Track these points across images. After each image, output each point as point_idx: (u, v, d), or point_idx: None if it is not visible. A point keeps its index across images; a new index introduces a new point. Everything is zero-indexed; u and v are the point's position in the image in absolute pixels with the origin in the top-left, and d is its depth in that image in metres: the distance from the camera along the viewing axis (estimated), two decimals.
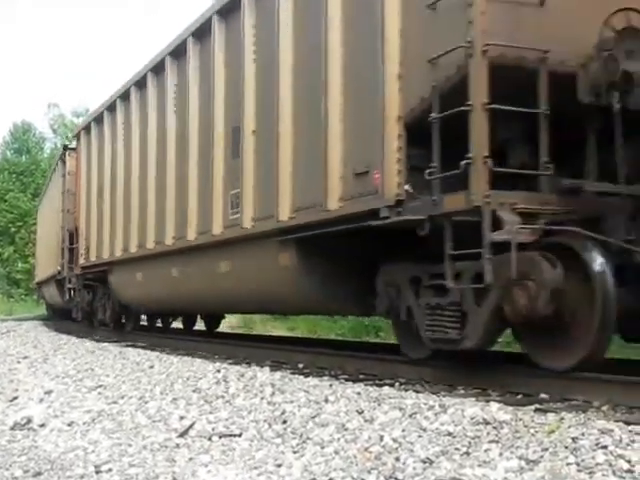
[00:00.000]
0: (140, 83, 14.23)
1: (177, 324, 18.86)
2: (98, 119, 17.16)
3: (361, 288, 8.15)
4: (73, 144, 20.52)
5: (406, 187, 7.05)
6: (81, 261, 18.04)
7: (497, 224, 6.16)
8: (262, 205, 9.47)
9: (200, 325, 18.68)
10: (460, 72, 6.43)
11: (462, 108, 6.24)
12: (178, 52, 12.49)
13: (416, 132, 6.93)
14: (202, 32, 11.49)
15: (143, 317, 18.34)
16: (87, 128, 18.10)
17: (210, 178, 10.78)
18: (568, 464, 3.65)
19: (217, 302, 12.44)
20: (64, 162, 20.70)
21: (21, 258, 45.84)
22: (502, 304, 6.25)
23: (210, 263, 11.00)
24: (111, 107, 16.10)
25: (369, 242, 7.84)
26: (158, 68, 13.38)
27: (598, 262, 6.07)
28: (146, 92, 13.86)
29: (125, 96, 15.11)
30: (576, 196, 6.40)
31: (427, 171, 6.65)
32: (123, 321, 17.16)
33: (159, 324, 18.78)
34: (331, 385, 6.72)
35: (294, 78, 8.89)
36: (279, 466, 4.30)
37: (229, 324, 22.01)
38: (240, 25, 10.05)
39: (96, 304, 17.85)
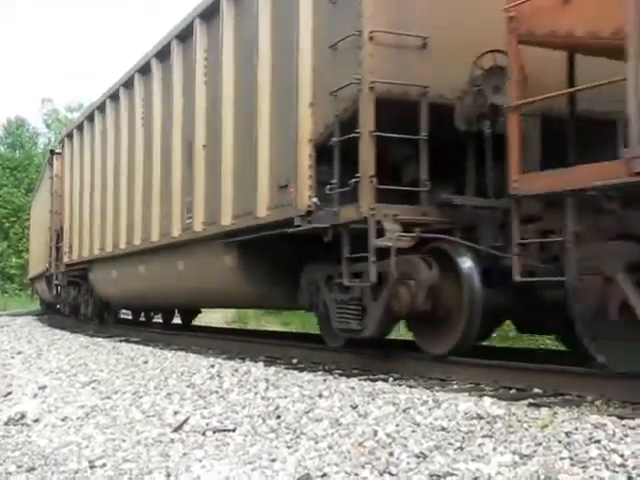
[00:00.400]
0: (114, 96, 15.63)
1: (159, 319, 19.14)
2: (79, 127, 18.60)
3: (291, 285, 9.33)
4: (59, 149, 21.74)
5: (314, 200, 8.36)
6: (65, 259, 19.36)
7: (381, 232, 7.32)
8: (210, 211, 10.76)
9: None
10: (354, 104, 7.68)
11: (352, 135, 7.51)
12: (145, 69, 13.90)
13: (324, 153, 8.17)
14: (164, 53, 12.84)
15: (128, 311, 19.35)
16: (70, 135, 19.49)
17: (170, 186, 12.21)
18: (561, 458, 3.66)
19: (177, 297, 13.87)
20: (51, 165, 21.89)
21: (15, 253, 45.75)
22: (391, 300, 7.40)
23: (170, 262, 12.34)
24: (90, 117, 17.55)
25: (296, 246, 8.98)
26: (128, 83, 14.75)
27: (467, 265, 7.14)
28: (119, 104, 15.30)
29: (102, 108, 16.54)
30: (452, 209, 7.47)
31: (328, 186, 7.97)
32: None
33: (143, 318, 19.28)
34: (325, 380, 6.73)
35: (235, 103, 10.28)
36: (273, 461, 4.30)
37: (224, 319, 22.03)
38: (193, 49, 11.54)
39: (79, 299, 19.03)
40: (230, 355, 10.37)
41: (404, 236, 7.35)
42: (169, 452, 4.70)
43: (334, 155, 7.96)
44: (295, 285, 9.29)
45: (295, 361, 9.23)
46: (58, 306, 21.70)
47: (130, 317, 19.56)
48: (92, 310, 18.17)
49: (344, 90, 7.77)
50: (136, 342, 13.78)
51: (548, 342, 13.46)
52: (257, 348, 10.61)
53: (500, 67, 7.16)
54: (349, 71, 7.68)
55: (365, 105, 7.52)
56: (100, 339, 14.64)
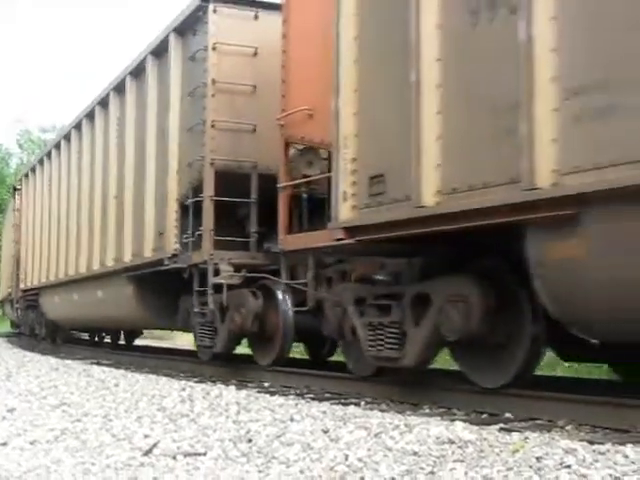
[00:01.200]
0: (57, 145, 18.80)
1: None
2: (33, 169, 21.63)
3: (173, 311, 11.78)
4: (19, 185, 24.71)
5: (176, 245, 11.07)
6: (22, 285, 21.96)
7: (218, 272, 9.95)
8: (118, 250, 13.63)
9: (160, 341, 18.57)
10: (200, 175, 10.44)
11: (197, 199, 10.34)
12: (78, 126, 16.83)
13: (186, 210, 10.85)
14: (91, 112, 15.69)
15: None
16: (26, 175, 22.65)
17: (92, 227, 15.22)
18: None
19: (99, 321, 16.46)
20: (14, 199, 24.67)
21: None
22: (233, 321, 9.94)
23: (92, 291, 15.08)
24: (41, 161, 20.59)
25: (176, 280, 11.16)
26: (67, 136, 17.74)
27: (281, 297, 9.65)
28: (59, 155, 18.33)
29: (48, 155, 19.66)
30: (274, 254, 9.52)
31: (184, 236, 10.83)
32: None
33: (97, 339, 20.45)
34: (297, 404, 6.71)
35: (134, 164, 13.10)
36: None
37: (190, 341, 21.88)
38: (125, 99, 13.78)
39: (34, 322, 21.41)
40: (201, 378, 10.32)
41: (235, 275, 9.94)
42: (139, 476, 4.66)
43: (189, 212, 10.64)
44: (175, 311, 11.69)
45: (267, 385, 9.21)
46: (21, 327, 24.03)
47: (87, 337, 21.16)
48: (45, 331, 20.45)
49: (194, 163, 10.58)
50: (107, 365, 13.69)
51: None
52: (229, 371, 10.58)
53: (312, 147, 8.98)
54: (198, 149, 10.46)
55: (207, 176, 10.22)
56: (70, 361, 14.53)
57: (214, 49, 10.37)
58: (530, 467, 3.88)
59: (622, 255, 5.17)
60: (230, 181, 10.03)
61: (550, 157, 5.36)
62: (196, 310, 10.57)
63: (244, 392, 7.86)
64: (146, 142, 12.40)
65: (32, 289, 20.61)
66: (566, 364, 12.85)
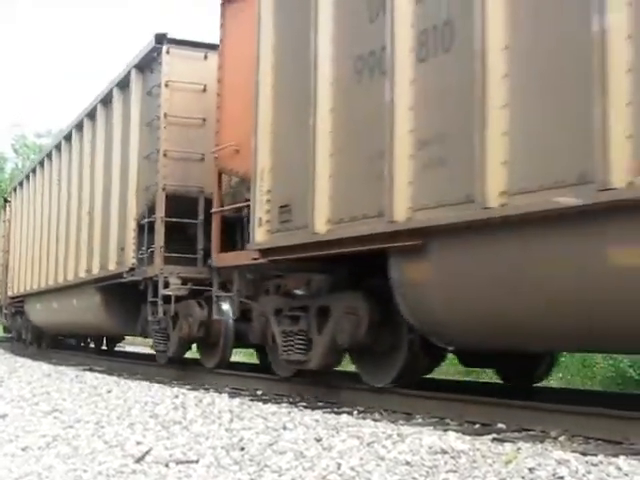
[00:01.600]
0: (41, 162, 20.29)
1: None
2: (21, 183, 23.04)
3: (134, 319, 12.91)
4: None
5: (133, 260, 12.41)
6: (9, 292, 23.25)
7: (168, 284, 11.29)
8: (88, 261, 14.99)
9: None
10: (153, 198, 11.80)
11: (150, 219, 11.84)
12: (58, 146, 18.31)
13: (142, 228, 12.22)
14: (79, 126, 16.69)
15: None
16: (15, 188, 24.14)
17: (69, 240, 16.47)
18: None
19: (74, 327, 17.68)
20: (5, 210, 26.03)
21: None
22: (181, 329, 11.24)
23: (69, 299, 16.34)
24: (27, 176, 22.06)
25: (137, 291, 12.29)
26: (49, 154, 19.37)
27: (225, 307, 10.41)
28: (43, 171, 19.83)
29: (34, 170, 21.16)
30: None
31: (140, 251, 12.22)
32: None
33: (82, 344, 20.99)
34: (290, 412, 6.71)
35: (103, 185, 14.53)
36: None
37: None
38: (96, 125, 15.30)
39: (21, 327, 22.83)
40: (194, 386, 10.31)
41: (182, 287, 11.26)
42: None
43: (145, 231, 12.00)
44: (137, 319, 12.80)
45: (260, 392, 9.20)
46: (11, 332, 25.56)
47: (73, 342, 21.91)
48: (30, 336, 21.71)
49: (150, 187, 11.98)
50: (100, 371, 13.66)
51: None
52: (222, 379, 10.57)
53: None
54: (153, 175, 11.78)
55: (159, 200, 11.57)
56: (63, 367, 14.50)
57: (167, 86, 11.71)
58: (523, 478, 3.88)
59: (455, 278, 6.56)
60: (180, 203, 11.38)
61: (406, 196, 6.65)
62: (150, 319, 11.93)
63: (237, 400, 7.85)
64: (112, 166, 13.91)
65: (18, 296, 21.85)
66: (559, 374, 12.88)
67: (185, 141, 11.56)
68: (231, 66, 10.25)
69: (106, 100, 14.60)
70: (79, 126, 16.45)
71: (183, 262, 11.38)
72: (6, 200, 26.11)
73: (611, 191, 5.03)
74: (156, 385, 10.12)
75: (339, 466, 4.45)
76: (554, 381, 12.63)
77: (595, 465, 4.13)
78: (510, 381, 9.36)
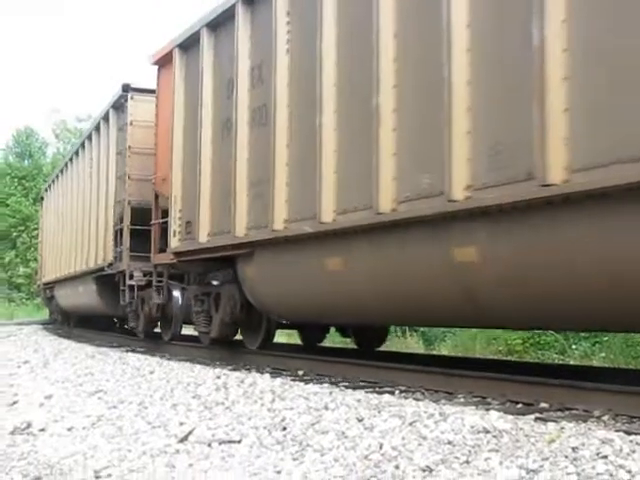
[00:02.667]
0: (62, 169, 23.76)
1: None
2: (49, 185, 27.11)
3: (118, 303, 15.50)
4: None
5: (112, 257, 15.76)
6: (43, 279, 26.76)
7: (132, 276, 14.44)
8: (87, 256, 18.32)
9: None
10: (123, 210, 15.21)
11: (121, 226, 15.18)
12: (77, 152, 21.41)
13: (117, 232, 15.65)
14: (83, 144, 20.34)
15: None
16: (47, 187, 28.05)
17: (77, 237, 20.07)
18: (568, 474, 3.64)
19: (80, 309, 21.35)
20: (41, 207, 29.82)
21: (22, 262, 45.71)
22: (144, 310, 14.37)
23: (78, 286, 19.86)
24: (54, 179, 25.58)
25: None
26: (67, 164, 22.72)
27: (176, 294, 13.69)
28: (63, 177, 23.38)
29: (57, 176, 24.91)
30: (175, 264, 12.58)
31: (115, 251, 15.58)
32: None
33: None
34: (331, 392, 6.71)
35: (97, 193, 17.79)
36: (278, 473, 4.29)
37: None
38: (92, 146, 19.04)
39: (54, 310, 26.51)
40: (236, 366, 10.36)
41: (143, 279, 14.28)
42: (175, 463, 4.69)
43: (118, 236, 15.44)
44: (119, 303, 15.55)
45: (301, 373, 9.23)
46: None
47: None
48: (60, 317, 25.39)
49: (120, 202, 15.50)
50: (142, 352, 13.79)
51: (555, 356, 13.43)
52: (263, 359, 10.62)
53: None
54: (123, 192, 15.27)
55: (126, 211, 15.01)
56: (106, 349, 14.65)
57: (131, 124, 15.14)
58: (566, 457, 3.86)
59: (268, 275, 9.90)
60: (141, 214, 14.38)
61: (243, 220, 9.92)
62: (122, 303, 15.03)
63: (279, 380, 7.88)
64: (100, 183, 17.61)
65: (50, 282, 25.09)
66: (602, 354, 12.77)
67: (143, 166, 14.47)
68: (163, 114, 12.99)
69: (97, 128, 18.40)
70: (83, 145, 20.28)
71: (144, 259, 14.03)
72: (42, 198, 29.60)
73: None
74: (198, 366, 10.19)
75: (381, 446, 4.45)
76: (597, 360, 12.54)
77: (639, 444, 4.09)
78: (361, 346, 13.03)
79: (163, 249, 12.83)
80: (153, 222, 13.29)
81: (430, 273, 7.20)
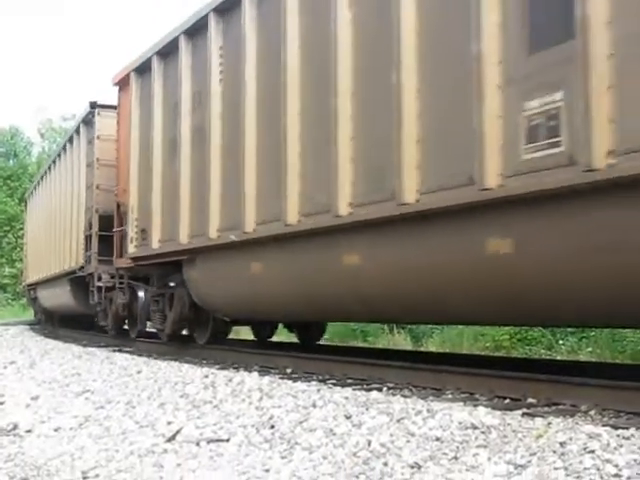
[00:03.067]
0: (43, 176, 25.01)
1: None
2: (32, 190, 28.18)
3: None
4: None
5: (82, 261, 16.85)
6: (27, 280, 27.88)
7: (100, 278, 15.57)
8: (62, 259, 19.56)
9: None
10: (91, 217, 16.49)
11: (90, 232, 16.54)
12: (55, 159, 22.62)
13: (87, 238, 16.86)
14: (59, 153, 21.79)
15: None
16: (31, 192, 28.91)
17: (54, 242, 21.19)
18: (556, 468, 3.65)
19: (60, 309, 22.26)
20: (26, 209, 31.16)
21: (8, 263, 45.53)
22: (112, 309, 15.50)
23: (55, 287, 20.98)
24: (36, 184, 26.77)
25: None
26: (46, 171, 24.00)
27: (141, 294, 14.08)
28: (43, 183, 24.69)
29: (39, 182, 26.05)
30: (139, 268, 13.52)
31: (85, 254, 16.78)
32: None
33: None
34: (319, 390, 6.72)
35: (70, 202, 19.20)
36: (267, 471, 4.29)
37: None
38: (66, 157, 20.33)
39: (37, 309, 27.78)
40: (224, 365, 10.35)
41: (110, 281, 15.30)
42: (163, 462, 4.68)
43: (88, 241, 16.64)
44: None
45: (289, 371, 9.22)
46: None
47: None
48: (44, 317, 26.36)
49: (89, 209, 16.72)
50: (129, 352, 13.76)
51: (542, 352, 13.46)
52: (251, 358, 10.61)
53: None
54: (91, 201, 16.58)
55: (94, 219, 16.28)
56: (93, 349, 14.62)
57: (98, 138, 16.46)
58: (554, 452, 3.87)
59: (206, 278, 11.19)
60: (109, 221, 15.39)
61: (186, 230, 11.26)
62: (91, 302, 16.31)
63: (267, 378, 7.87)
64: (73, 192, 18.87)
65: (32, 284, 26.18)
66: (589, 349, 12.82)
67: (110, 177, 15.54)
68: (123, 130, 14.23)
69: (71, 140, 19.61)
70: (58, 156, 21.70)
71: (111, 263, 15.08)
72: (25, 201, 31.05)
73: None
74: (186, 365, 10.18)
75: (369, 443, 4.45)
76: (583, 355, 12.58)
77: (627, 439, 4.11)
78: (302, 341, 13.87)
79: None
80: (115, 229, 14.83)
81: (325, 276, 8.48)
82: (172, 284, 12.60)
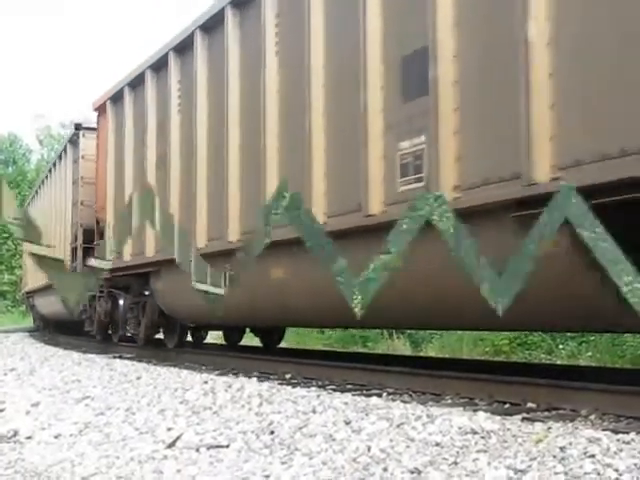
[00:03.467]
0: (39, 185, 26.84)
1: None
2: (30, 200, 30.00)
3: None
4: None
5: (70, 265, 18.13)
6: (26, 288, 29.15)
7: None
8: None
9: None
10: (77, 230, 17.94)
11: (75, 245, 18.22)
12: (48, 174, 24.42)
13: (72, 250, 18.21)
14: (50, 169, 23.65)
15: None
16: (28, 203, 30.20)
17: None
18: (556, 473, 3.65)
19: (55, 315, 23.07)
20: None
21: (7, 270, 45.53)
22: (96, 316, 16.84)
23: (49, 295, 21.06)
24: (33, 196, 28.94)
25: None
26: (42, 183, 25.84)
27: (121, 302, 15.61)
28: (39, 194, 26.70)
29: (36, 192, 27.80)
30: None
31: (72, 264, 17.76)
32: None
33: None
34: (319, 396, 6.71)
35: (62, 216, 20.61)
36: (267, 477, 4.28)
37: (217, 335, 21.96)
38: (56, 173, 22.32)
39: (35, 316, 29.21)
40: (223, 371, 10.35)
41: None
42: (162, 469, 4.68)
43: (73, 252, 18.08)
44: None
45: (289, 376, 9.22)
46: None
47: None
48: (42, 324, 27.61)
49: (74, 223, 18.12)
50: (129, 358, 13.75)
51: (542, 356, 13.46)
52: (250, 364, 10.62)
53: None
54: (76, 216, 17.99)
55: (79, 232, 17.67)
56: (93, 355, 14.61)
57: (82, 158, 17.91)
58: (554, 457, 3.87)
59: (168, 288, 12.28)
60: (92, 235, 16.72)
61: (152, 245, 12.60)
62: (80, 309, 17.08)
63: (266, 384, 7.87)
64: (61, 206, 20.43)
65: (29, 292, 27.61)
66: (589, 353, 12.81)
67: (92, 194, 16.83)
68: (101, 152, 15.72)
69: (60, 158, 21.10)
70: (50, 170, 23.45)
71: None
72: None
73: None
74: (185, 371, 10.17)
75: (369, 448, 4.45)
76: (583, 360, 12.58)
77: (627, 443, 4.11)
78: (265, 345, 15.19)
79: None
80: (95, 243, 16.32)
81: (257, 286, 9.33)
82: (147, 293, 13.82)
